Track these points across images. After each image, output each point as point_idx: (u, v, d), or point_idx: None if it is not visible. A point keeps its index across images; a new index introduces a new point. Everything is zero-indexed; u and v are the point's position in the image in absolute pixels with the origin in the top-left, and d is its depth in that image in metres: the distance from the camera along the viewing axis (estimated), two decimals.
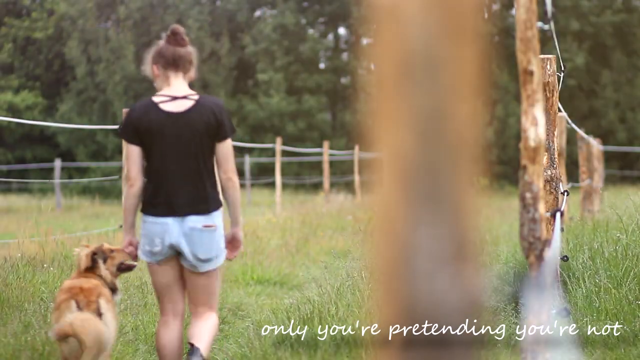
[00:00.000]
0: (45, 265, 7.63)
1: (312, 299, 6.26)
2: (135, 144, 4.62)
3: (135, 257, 4.76)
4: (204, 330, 4.62)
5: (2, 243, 9.96)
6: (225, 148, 4.64)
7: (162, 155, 4.61)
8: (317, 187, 30.02)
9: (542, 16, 4.02)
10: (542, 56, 5.27)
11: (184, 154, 4.61)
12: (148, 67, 4.82)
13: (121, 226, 11.62)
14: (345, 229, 13.61)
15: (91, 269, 4.70)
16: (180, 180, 4.60)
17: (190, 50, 4.76)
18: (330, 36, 36.99)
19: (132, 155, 4.62)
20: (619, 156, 33.95)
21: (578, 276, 6.20)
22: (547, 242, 3.34)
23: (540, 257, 3.28)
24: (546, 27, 4.07)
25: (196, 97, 4.66)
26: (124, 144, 4.60)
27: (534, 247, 3.29)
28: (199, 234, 4.56)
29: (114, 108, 34.11)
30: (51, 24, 36.90)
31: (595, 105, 34.79)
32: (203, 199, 4.60)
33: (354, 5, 31.69)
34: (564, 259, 5.14)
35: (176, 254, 4.63)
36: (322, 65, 36.39)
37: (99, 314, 4.42)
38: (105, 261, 4.76)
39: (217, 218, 4.64)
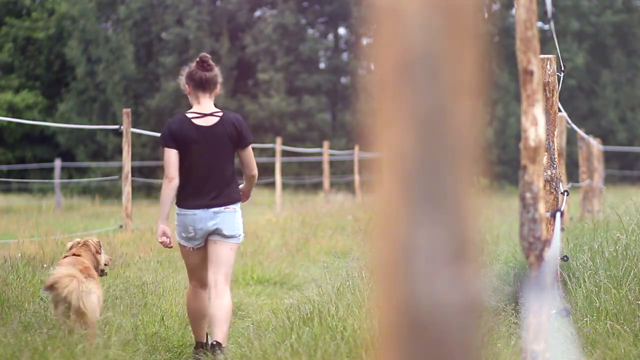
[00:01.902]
0: (45, 265, 7.63)
1: (312, 299, 6.26)
2: (173, 148, 5.68)
3: (169, 245, 5.74)
4: (222, 316, 5.67)
5: (2, 243, 9.96)
6: (248, 153, 5.79)
7: (194, 160, 5.69)
8: (317, 187, 30.02)
9: (542, 16, 4.02)
10: (542, 56, 5.27)
11: (211, 159, 5.71)
12: (182, 83, 5.86)
13: (121, 226, 11.68)
14: (345, 229, 13.61)
15: (89, 250, 5.78)
16: (207, 180, 5.71)
17: (215, 73, 5.80)
18: (330, 36, 36.99)
19: (170, 158, 5.68)
20: (619, 156, 33.96)
21: (578, 276, 6.20)
22: (547, 242, 3.34)
23: (540, 257, 3.28)
24: (546, 27, 4.07)
25: (220, 114, 5.76)
26: (165, 150, 5.74)
27: (534, 247, 3.29)
28: (223, 214, 5.69)
29: (114, 108, 34.09)
30: (52, 24, 36.90)
31: (595, 105, 34.79)
32: (226, 195, 5.72)
33: (354, 5, 31.68)
34: (564, 259, 5.15)
35: (204, 240, 5.74)
36: (322, 65, 36.39)
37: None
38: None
39: (237, 206, 5.77)
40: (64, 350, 5.10)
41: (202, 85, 5.74)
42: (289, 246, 11.33)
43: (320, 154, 25.56)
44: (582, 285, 5.95)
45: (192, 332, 6.03)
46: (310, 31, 36.24)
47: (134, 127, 21.03)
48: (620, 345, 4.90)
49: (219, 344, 5.61)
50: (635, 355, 4.81)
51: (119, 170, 13.35)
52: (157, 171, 34.36)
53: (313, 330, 5.27)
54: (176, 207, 5.77)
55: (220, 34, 35.11)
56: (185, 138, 5.67)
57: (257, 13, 36.57)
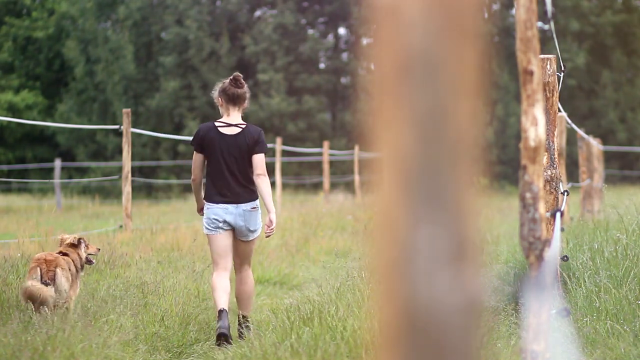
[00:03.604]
0: None
1: (312, 299, 6.26)
2: (200, 152, 6.69)
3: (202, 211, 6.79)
4: (246, 295, 6.76)
5: (2, 243, 9.96)
6: (259, 158, 6.65)
7: (219, 163, 6.65)
8: (317, 187, 30.01)
9: (542, 16, 4.02)
10: (542, 56, 5.27)
11: (233, 162, 6.64)
12: (215, 96, 6.81)
13: (121, 226, 11.75)
14: (345, 229, 13.61)
15: (72, 247, 6.58)
16: (230, 179, 6.63)
17: (245, 90, 6.77)
18: (330, 36, 36.97)
19: (197, 160, 6.72)
20: (619, 156, 33.95)
21: (578, 276, 6.20)
22: (547, 242, 3.34)
23: (540, 257, 3.28)
24: (546, 27, 4.07)
25: (244, 125, 6.72)
26: (194, 153, 6.76)
27: (534, 247, 3.29)
28: (249, 213, 6.65)
29: (113, 108, 34.07)
30: (51, 24, 36.89)
31: (595, 105, 34.79)
32: (248, 192, 6.65)
33: (354, 5, 31.68)
34: (564, 259, 5.14)
35: (230, 228, 6.64)
36: (322, 65, 36.36)
37: (54, 279, 6.13)
38: (85, 247, 6.69)
39: (257, 202, 6.71)
40: (63, 350, 5.10)
41: (234, 99, 6.72)
42: (289, 246, 11.33)
43: (320, 154, 25.56)
44: (582, 285, 5.95)
45: (214, 302, 6.74)
46: (310, 31, 36.21)
47: (134, 127, 20.99)
48: (620, 345, 4.90)
49: (245, 316, 6.72)
50: (635, 355, 4.81)
51: (119, 170, 13.34)
52: (157, 171, 34.37)
53: (313, 330, 5.27)
54: (205, 202, 6.70)
55: (220, 34, 35.10)
56: (210, 142, 6.65)
57: (257, 13, 36.55)
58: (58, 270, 6.19)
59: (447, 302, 1.14)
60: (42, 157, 35.79)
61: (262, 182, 6.61)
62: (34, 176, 33.37)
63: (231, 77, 6.82)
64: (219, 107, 6.82)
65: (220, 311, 6.40)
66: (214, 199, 6.64)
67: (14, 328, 5.37)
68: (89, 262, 6.73)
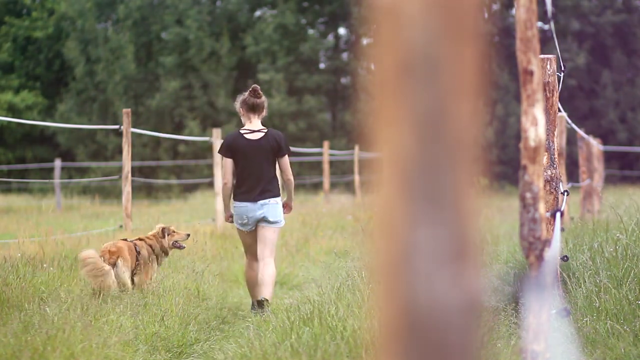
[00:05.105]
0: (45, 265, 7.63)
1: (312, 299, 6.25)
2: (229, 157, 7.55)
3: (231, 221, 7.69)
4: (268, 280, 7.41)
5: (2, 243, 9.96)
6: (284, 161, 7.59)
7: (245, 166, 7.51)
8: (317, 187, 30.01)
9: (542, 16, 4.02)
10: (542, 56, 5.27)
11: (258, 165, 7.51)
12: (237, 107, 7.67)
13: (121, 226, 11.79)
14: (345, 229, 13.61)
15: (155, 237, 7.64)
16: (255, 180, 7.50)
17: (263, 100, 7.65)
18: (330, 36, 36.95)
19: (227, 165, 7.60)
20: (619, 156, 33.95)
21: (578, 276, 6.20)
22: (547, 242, 3.34)
23: (540, 257, 3.28)
24: (546, 27, 4.08)
25: (265, 130, 7.58)
26: (221, 158, 7.73)
27: (534, 247, 3.29)
28: (268, 206, 7.51)
29: (114, 108, 34.06)
30: (51, 24, 36.88)
31: (595, 105, 34.79)
32: (269, 191, 7.52)
33: (354, 5, 31.67)
34: (564, 259, 5.14)
35: (254, 227, 7.49)
36: (322, 65, 36.35)
37: (114, 265, 7.09)
38: (167, 235, 7.72)
39: (278, 199, 7.58)
40: (63, 350, 5.10)
41: (253, 108, 7.56)
42: (289, 246, 11.33)
43: (320, 154, 25.56)
44: (582, 285, 5.95)
45: (250, 295, 7.78)
46: (310, 31, 36.20)
47: (134, 127, 20.99)
48: (620, 345, 4.90)
49: (266, 299, 7.31)
50: (635, 355, 4.81)
51: (119, 170, 13.34)
52: (157, 171, 34.36)
53: (313, 330, 5.27)
54: (233, 201, 7.57)
55: (220, 34, 35.08)
56: (238, 148, 7.50)
57: (257, 13, 36.54)
58: (119, 261, 7.06)
59: (447, 302, 1.14)
60: (42, 157, 35.78)
61: (290, 184, 7.64)
62: (34, 176, 33.36)
63: (250, 88, 7.64)
64: (241, 117, 7.61)
65: (260, 301, 7.26)
66: (239, 198, 7.52)
67: (14, 328, 5.37)
68: (178, 247, 7.76)
